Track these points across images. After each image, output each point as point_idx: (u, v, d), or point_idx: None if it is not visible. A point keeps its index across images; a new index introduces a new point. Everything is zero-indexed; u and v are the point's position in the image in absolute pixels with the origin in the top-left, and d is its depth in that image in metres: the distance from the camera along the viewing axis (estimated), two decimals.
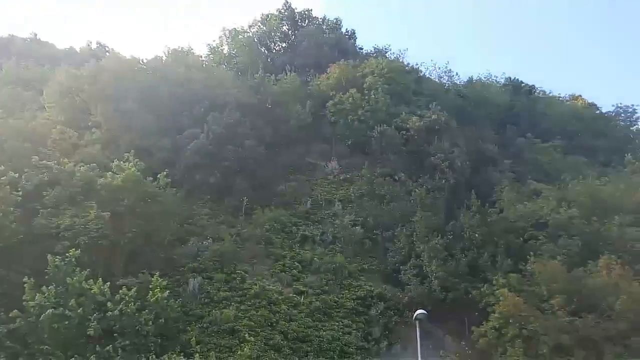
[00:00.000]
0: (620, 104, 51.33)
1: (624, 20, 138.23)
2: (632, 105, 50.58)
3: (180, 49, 48.21)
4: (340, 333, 25.17)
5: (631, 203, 30.11)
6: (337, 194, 36.52)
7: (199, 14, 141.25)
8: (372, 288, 28.46)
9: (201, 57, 52.79)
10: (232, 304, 25.03)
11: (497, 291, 24.35)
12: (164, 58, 46.91)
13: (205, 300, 25.28)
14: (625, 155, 40.19)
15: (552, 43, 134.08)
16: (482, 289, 25.65)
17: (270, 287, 27.00)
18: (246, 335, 22.90)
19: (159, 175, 28.45)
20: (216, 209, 33.81)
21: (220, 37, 57.27)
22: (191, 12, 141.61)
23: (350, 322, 26.17)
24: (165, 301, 22.12)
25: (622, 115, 50.45)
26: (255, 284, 26.65)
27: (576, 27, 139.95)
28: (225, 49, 56.73)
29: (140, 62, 45.28)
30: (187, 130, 37.50)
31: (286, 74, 46.64)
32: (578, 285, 24.25)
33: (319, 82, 45.79)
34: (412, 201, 32.91)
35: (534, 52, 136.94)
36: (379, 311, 26.95)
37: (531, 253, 26.36)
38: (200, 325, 23.52)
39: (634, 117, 50.16)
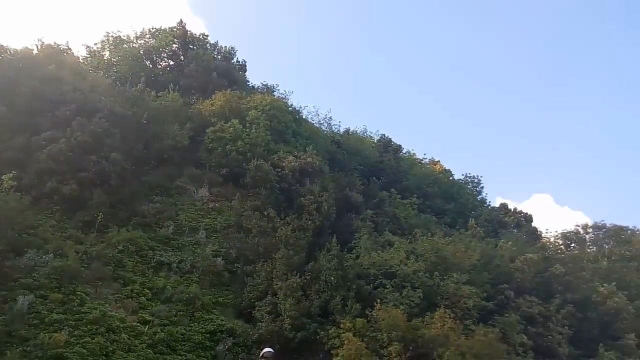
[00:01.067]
0: (469, 173, 58.25)
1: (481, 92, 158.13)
2: (478, 175, 57.74)
3: (55, 45, 44.49)
4: None
5: (468, 263, 33.70)
6: (203, 221, 35.57)
7: (83, 12, 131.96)
8: (224, 322, 27.80)
9: (78, 58, 49.29)
10: (65, 328, 22.72)
11: (342, 334, 25.35)
12: (35, 51, 42.88)
13: (34, 322, 22.61)
14: (470, 219, 45.32)
15: (421, 111, 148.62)
16: (329, 331, 26.52)
17: (113, 313, 25.01)
18: None
19: (3, 176, 25.42)
20: (65, 222, 30.81)
21: (103, 41, 54.03)
22: (75, 8, 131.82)
23: (194, 356, 25.15)
24: None
25: (470, 183, 57.07)
26: (96, 308, 24.50)
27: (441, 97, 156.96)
28: (107, 54, 53.59)
29: (8, 51, 40.85)
30: (46, 132, 34.33)
31: (169, 92, 45.33)
32: (415, 334, 26.18)
33: (202, 107, 45.07)
34: (277, 238, 33.25)
35: (405, 116, 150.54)
36: (226, 347, 26.33)
37: (378, 300, 27.91)
38: (23, 348, 21.00)
39: (479, 186, 57.13)
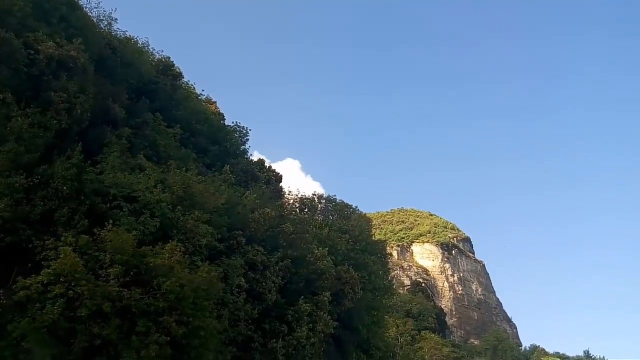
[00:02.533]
0: (239, 122, 59.58)
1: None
2: (247, 127, 59.52)
3: None
4: None
5: (212, 205, 34.75)
6: None
7: None
8: None
9: None
10: None
11: (60, 248, 23.53)
12: None
13: None
14: (226, 165, 46.61)
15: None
16: (46, 242, 24.27)
17: None
18: None
19: None
20: None
21: None
22: None
23: None
24: None
25: (238, 132, 58.54)
26: None
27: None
28: None
29: None
30: None
31: None
32: (140, 261, 25.99)
33: None
34: (8, 128, 28.50)
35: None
36: None
37: (111, 221, 26.71)
38: None
39: (245, 137, 59.03)
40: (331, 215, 61.47)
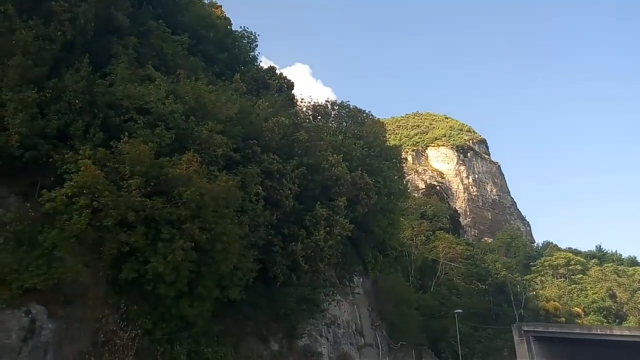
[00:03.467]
0: (247, 27, 57.21)
1: None
2: (255, 32, 57.24)
3: None
4: None
5: (225, 114, 34.52)
6: None
7: None
8: None
9: None
10: None
11: (80, 161, 23.92)
12: None
13: None
14: (236, 74, 45.62)
15: None
16: (65, 155, 24.65)
17: None
18: None
19: None
20: None
21: None
22: None
23: None
24: None
25: (246, 38, 56.43)
26: None
27: None
28: None
29: None
30: None
31: None
32: (159, 172, 26.44)
33: None
34: (13, 42, 27.80)
35: None
36: None
37: (126, 134, 26.82)
38: None
39: (254, 43, 56.98)
40: (345, 121, 61.09)
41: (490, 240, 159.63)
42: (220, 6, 59.30)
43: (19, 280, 20.82)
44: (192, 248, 25.01)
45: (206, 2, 56.84)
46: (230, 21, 57.50)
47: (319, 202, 39.50)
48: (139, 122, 28.42)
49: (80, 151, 24.72)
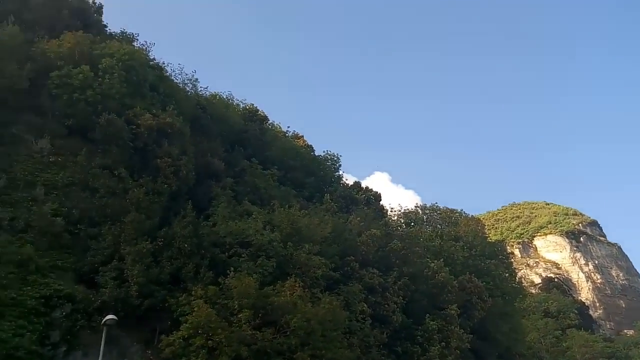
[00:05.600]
0: (329, 150, 60.44)
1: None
2: (337, 153, 60.24)
3: None
4: (11, 335, 21.90)
5: (320, 235, 35.23)
6: (42, 176, 31.84)
7: None
8: (62, 287, 25.50)
9: None
10: None
11: (193, 302, 24.96)
12: None
13: None
14: (325, 195, 47.27)
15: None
16: (180, 298, 25.91)
17: None
18: None
19: None
20: None
21: None
22: None
23: (26, 322, 22.91)
24: None
25: (330, 160, 59.36)
26: None
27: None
28: None
29: None
30: None
31: (7, 25, 39.17)
32: (265, 302, 26.81)
33: (47, 47, 39.72)
34: (127, 200, 31.22)
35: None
36: (64, 313, 24.37)
37: (232, 268, 27.93)
38: None
39: (337, 164, 59.72)
40: (438, 224, 59.69)
41: (631, 332, 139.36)
42: (302, 136, 63.50)
43: None
44: None
45: (289, 134, 61.24)
46: (312, 148, 61.02)
47: (428, 314, 37.44)
48: (242, 255, 29.70)
49: (193, 292, 25.89)
